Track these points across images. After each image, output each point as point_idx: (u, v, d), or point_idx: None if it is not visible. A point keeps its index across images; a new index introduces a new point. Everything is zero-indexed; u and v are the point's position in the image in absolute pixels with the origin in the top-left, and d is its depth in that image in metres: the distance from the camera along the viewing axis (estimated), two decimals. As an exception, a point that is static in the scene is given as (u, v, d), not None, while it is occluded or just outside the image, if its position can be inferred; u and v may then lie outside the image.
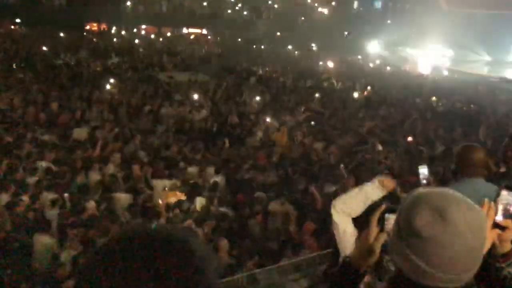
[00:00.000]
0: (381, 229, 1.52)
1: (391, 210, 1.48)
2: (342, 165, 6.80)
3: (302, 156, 8.92)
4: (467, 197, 2.56)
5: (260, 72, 20.83)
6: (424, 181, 3.13)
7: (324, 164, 8.31)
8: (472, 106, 15.18)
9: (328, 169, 7.79)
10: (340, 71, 22.12)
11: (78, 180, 6.99)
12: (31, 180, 6.63)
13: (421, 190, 1.19)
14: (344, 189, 2.86)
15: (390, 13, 34.56)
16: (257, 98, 14.30)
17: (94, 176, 7.16)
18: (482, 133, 9.33)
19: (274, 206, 6.41)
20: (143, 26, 31.11)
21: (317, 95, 15.43)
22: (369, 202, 2.61)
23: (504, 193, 1.59)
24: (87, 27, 29.46)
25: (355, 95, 15.95)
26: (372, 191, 2.64)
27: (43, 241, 5.21)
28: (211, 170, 7.87)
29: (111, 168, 7.45)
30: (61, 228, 5.44)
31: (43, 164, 7.19)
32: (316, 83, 18.67)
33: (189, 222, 5.76)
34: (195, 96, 13.54)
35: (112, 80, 14.14)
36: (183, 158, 8.50)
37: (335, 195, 3.02)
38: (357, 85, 18.02)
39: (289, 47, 29.61)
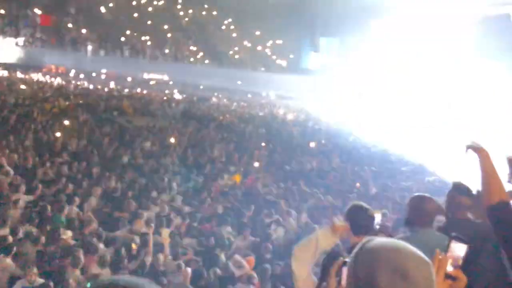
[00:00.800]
0: (339, 281, 1.56)
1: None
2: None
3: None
4: (421, 247, 2.75)
5: (221, 118, 21.21)
6: (377, 226, 3.32)
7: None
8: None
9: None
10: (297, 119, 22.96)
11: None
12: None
13: (374, 243, 1.17)
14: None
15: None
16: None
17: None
18: None
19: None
20: (104, 71, 31.12)
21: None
22: (320, 251, 2.66)
23: (453, 245, 1.67)
24: (45, 69, 29.12)
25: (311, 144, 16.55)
26: (322, 238, 2.71)
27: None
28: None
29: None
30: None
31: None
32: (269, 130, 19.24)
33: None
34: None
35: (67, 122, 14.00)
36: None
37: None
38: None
39: (249, 95, 30.52)
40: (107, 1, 32.88)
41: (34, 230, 6.42)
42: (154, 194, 8.89)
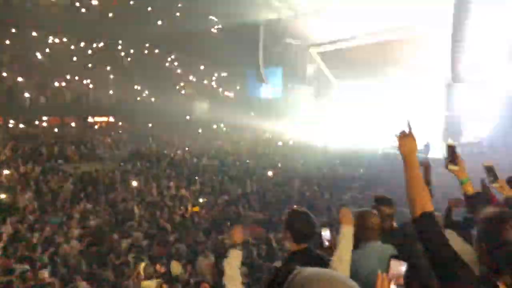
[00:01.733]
0: None
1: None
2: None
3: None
4: (369, 261, 2.75)
5: (172, 155, 20.88)
6: (326, 243, 3.31)
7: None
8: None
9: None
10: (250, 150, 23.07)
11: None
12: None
13: (305, 275, 1.18)
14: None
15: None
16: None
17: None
18: None
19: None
20: (45, 118, 29.90)
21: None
22: (234, 266, 2.57)
23: (393, 263, 1.74)
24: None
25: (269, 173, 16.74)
26: (231, 254, 2.61)
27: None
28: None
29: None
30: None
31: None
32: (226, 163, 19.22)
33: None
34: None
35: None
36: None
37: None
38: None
39: (199, 130, 30.42)
40: (43, 47, 31.96)
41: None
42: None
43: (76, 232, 9.11)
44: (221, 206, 12.52)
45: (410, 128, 2.19)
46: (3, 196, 11.39)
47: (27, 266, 6.87)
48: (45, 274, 6.74)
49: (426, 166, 3.69)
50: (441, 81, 22.24)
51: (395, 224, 3.45)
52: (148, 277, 6.46)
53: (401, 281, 1.70)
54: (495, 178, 3.01)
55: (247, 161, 19.70)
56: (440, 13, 19.94)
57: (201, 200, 13.09)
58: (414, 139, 2.13)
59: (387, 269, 1.72)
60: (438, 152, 21.70)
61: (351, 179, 16.23)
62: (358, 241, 3.08)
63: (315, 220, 2.85)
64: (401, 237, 3.16)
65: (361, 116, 28.59)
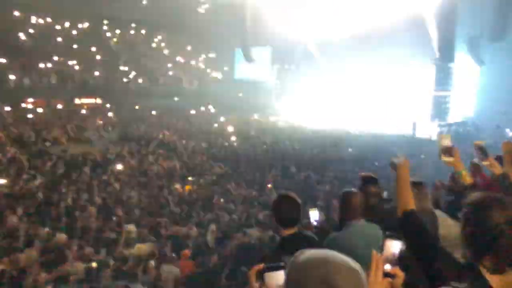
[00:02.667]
0: (261, 285, 1.60)
1: (272, 268, 1.56)
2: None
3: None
4: (355, 240, 2.85)
5: (160, 136, 20.82)
6: (315, 223, 3.41)
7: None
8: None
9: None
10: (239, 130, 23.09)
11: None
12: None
13: (303, 258, 1.24)
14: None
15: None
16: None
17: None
18: None
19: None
20: (31, 100, 29.41)
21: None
22: None
23: (388, 243, 1.77)
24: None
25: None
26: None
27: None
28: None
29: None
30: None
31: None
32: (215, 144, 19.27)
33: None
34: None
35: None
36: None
37: None
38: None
39: (193, 111, 30.32)
40: (27, 28, 31.23)
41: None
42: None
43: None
44: (210, 184, 12.71)
45: (407, 159, 2.34)
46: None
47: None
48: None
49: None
50: (429, 60, 22.36)
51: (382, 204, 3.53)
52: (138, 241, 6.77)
53: (395, 261, 1.72)
54: (485, 156, 3.12)
55: (235, 143, 19.76)
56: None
57: (190, 178, 13.25)
58: (408, 166, 2.30)
59: (381, 248, 1.75)
60: (424, 132, 22.07)
61: (339, 160, 16.41)
62: (343, 221, 3.21)
63: (301, 204, 2.89)
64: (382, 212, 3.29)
65: (349, 96, 28.75)
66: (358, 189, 3.41)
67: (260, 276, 1.60)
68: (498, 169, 3.06)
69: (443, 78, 22.13)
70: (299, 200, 2.87)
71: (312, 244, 2.79)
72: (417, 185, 3.44)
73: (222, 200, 11.03)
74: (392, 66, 25.65)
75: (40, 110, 27.67)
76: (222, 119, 27.85)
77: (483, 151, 3.15)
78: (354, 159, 16.45)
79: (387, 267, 1.68)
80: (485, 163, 3.13)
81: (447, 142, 2.88)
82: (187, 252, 7.30)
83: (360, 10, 22.97)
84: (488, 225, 1.66)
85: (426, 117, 22.92)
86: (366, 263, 2.73)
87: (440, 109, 22.35)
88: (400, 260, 1.74)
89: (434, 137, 19.92)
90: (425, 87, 23.82)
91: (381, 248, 1.74)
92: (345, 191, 3.26)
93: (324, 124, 26.16)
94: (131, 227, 7.78)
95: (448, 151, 2.86)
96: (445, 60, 21.83)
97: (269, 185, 12.37)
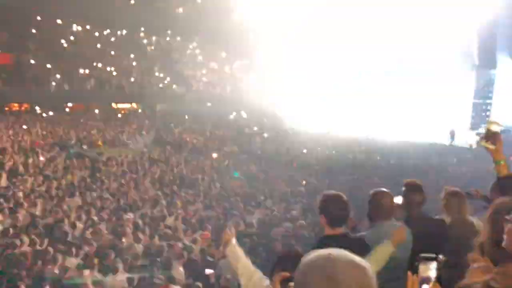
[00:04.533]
0: None
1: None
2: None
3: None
4: (381, 238, 2.73)
5: (194, 141, 21.09)
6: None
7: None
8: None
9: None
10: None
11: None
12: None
13: (311, 255, 1.24)
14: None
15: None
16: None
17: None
18: None
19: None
20: (70, 104, 30.49)
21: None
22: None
23: (423, 265, 1.76)
24: (7, 108, 28.20)
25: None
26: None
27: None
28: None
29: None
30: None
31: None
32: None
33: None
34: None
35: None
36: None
37: None
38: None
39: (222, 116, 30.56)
40: (67, 35, 32.47)
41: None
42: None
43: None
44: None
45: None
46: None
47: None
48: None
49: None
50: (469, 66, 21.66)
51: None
52: None
53: (431, 281, 1.72)
54: (493, 141, 2.82)
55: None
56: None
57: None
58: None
59: (416, 271, 1.74)
60: (463, 141, 21.26)
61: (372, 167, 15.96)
62: (373, 220, 3.14)
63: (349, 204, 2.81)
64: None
65: (385, 104, 28.21)
66: (402, 196, 3.29)
67: (285, 284, 1.64)
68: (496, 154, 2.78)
69: (485, 85, 21.36)
70: (346, 199, 2.79)
71: (362, 245, 2.69)
72: (457, 195, 3.33)
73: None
74: (429, 73, 24.97)
75: (78, 114, 28.62)
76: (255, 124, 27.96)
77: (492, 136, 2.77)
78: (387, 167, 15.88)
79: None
80: (487, 145, 2.77)
81: (495, 128, 2.72)
82: (207, 233, 7.49)
83: (399, 14, 22.51)
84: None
85: (465, 126, 22.13)
86: (393, 264, 2.63)
87: (480, 117, 21.55)
88: (437, 282, 1.74)
89: (474, 145, 19.17)
90: (464, 95, 23.05)
91: (416, 268, 1.77)
92: (376, 191, 3.16)
93: (358, 131, 25.69)
94: None
95: (492, 137, 2.71)
96: (487, 67, 21.09)
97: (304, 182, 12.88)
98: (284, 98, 33.82)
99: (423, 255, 1.79)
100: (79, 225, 8.24)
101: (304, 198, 10.84)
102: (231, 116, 31.62)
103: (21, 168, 12.92)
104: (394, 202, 3.11)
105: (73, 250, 6.76)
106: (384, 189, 3.18)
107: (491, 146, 2.72)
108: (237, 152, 18.79)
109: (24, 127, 21.43)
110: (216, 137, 22.63)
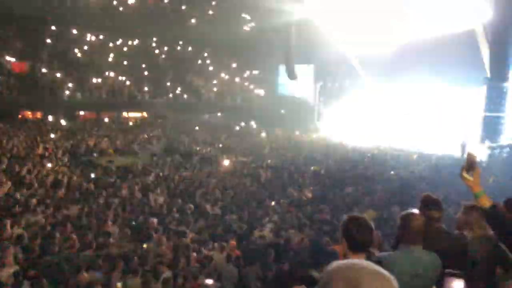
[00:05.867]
0: None
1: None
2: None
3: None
4: (405, 264, 2.68)
5: (204, 151, 21.16)
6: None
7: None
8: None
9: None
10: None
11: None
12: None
13: (335, 263, 1.25)
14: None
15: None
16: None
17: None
18: None
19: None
20: (82, 113, 30.85)
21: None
22: None
23: (449, 282, 1.73)
24: (20, 116, 28.61)
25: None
26: None
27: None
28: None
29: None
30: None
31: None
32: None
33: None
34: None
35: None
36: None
37: None
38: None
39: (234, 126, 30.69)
40: (81, 44, 32.96)
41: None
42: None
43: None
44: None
45: None
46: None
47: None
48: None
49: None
50: (480, 79, 21.50)
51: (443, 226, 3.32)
52: None
53: None
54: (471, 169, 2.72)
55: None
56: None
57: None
58: None
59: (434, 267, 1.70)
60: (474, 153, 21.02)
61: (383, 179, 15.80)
62: (399, 243, 2.97)
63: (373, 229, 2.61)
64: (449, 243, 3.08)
65: (395, 117, 28.10)
66: (419, 210, 3.14)
67: None
68: (474, 188, 2.70)
69: (496, 98, 21.17)
70: (371, 224, 2.57)
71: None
72: (477, 210, 3.13)
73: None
74: (439, 85, 24.86)
75: (89, 122, 28.92)
76: (263, 134, 28.00)
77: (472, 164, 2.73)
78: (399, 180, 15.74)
79: None
80: (467, 177, 2.70)
81: (474, 159, 2.71)
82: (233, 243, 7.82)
83: (407, 26, 22.57)
84: None
85: (476, 138, 21.94)
86: (421, 283, 2.57)
87: (491, 130, 21.33)
88: None
89: (484, 158, 18.99)
90: (474, 108, 22.87)
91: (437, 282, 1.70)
92: (407, 212, 2.99)
93: (367, 142, 25.59)
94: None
95: (472, 168, 2.69)
96: (498, 80, 20.92)
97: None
98: (295, 107, 33.90)
99: (450, 270, 1.74)
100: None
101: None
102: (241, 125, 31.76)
103: (32, 176, 13.07)
104: (424, 227, 2.91)
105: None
106: (415, 211, 3.03)
107: (471, 178, 2.69)
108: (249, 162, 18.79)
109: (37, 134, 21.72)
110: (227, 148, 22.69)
